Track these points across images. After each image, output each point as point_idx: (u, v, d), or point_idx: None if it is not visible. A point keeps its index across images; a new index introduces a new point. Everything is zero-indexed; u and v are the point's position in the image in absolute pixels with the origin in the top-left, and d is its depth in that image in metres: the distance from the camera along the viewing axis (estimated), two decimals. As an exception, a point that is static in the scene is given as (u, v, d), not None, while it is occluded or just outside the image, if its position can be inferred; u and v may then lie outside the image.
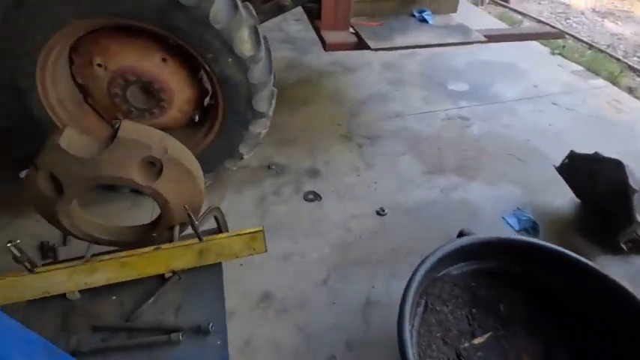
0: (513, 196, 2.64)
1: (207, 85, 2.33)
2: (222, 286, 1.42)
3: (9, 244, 1.23)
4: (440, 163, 2.90)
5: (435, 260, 1.59)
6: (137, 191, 2.50)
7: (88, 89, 2.13)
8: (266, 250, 1.49)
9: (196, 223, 1.36)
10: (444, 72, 4.09)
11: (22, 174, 1.37)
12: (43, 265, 1.45)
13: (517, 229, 2.40)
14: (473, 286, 1.82)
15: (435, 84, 3.88)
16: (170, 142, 1.43)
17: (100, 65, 2.00)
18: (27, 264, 1.29)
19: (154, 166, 1.40)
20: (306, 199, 2.58)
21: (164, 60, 2.06)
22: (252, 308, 1.96)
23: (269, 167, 2.82)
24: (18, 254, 1.25)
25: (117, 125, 1.36)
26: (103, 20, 1.79)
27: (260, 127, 2.38)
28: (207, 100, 2.41)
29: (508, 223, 2.44)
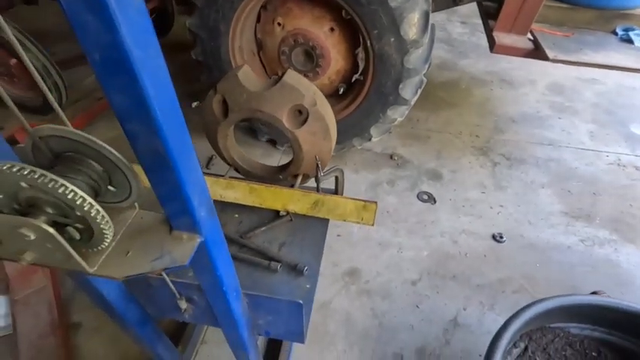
0: (685, 280, 2.06)
1: (360, 62, 2.43)
2: (323, 241, 1.50)
3: None
4: (589, 210, 2.44)
5: (555, 306, 1.37)
6: (272, 142, 2.81)
7: (263, 44, 2.44)
8: (373, 224, 1.50)
9: (321, 174, 1.45)
10: (629, 110, 3.37)
11: (193, 105, 1.68)
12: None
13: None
14: (593, 356, 1.50)
15: (612, 121, 3.24)
16: (320, 99, 1.55)
17: (279, 24, 2.26)
18: (186, 165, 1.58)
19: (301, 115, 1.54)
20: (419, 198, 2.49)
21: (332, 30, 2.22)
22: (336, 278, 2.02)
23: (391, 157, 2.81)
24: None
25: (281, 73, 1.54)
26: (294, -16, 2.02)
27: (398, 114, 2.38)
28: (355, 77, 2.50)
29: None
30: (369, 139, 2.55)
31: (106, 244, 0.54)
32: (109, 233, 0.52)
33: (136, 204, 0.65)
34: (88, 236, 0.54)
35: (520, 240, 2.24)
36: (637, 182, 2.65)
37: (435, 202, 2.47)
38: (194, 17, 2.22)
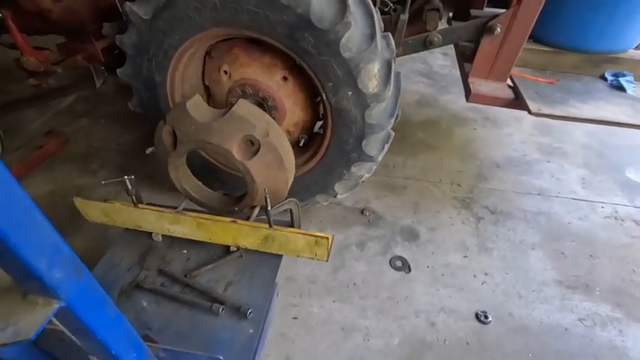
0: None
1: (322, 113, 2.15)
2: (274, 279, 1.40)
3: (126, 177, 1.41)
4: (587, 278, 2.12)
5: None
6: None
7: (211, 92, 2.16)
8: (327, 260, 1.36)
9: (270, 208, 1.34)
10: (624, 152, 3.12)
11: (148, 150, 1.61)
12: (147, 203, 1.61)
13: None
14: None
15: (605, 165, 2.98)
16: (274, 130, 1.46)
17: (225, 72, 1.99)
18: (133, 197, 1.47)
19: (253, 146, 1.44)
20: (392, 265, 2.16)
21: (285, 79, 1.94)
22: (287, 379, 1.66)
23: (362, 212, 2.50)
24: (130, 187, 1.44)
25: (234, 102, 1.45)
26: (237, 31, 1.74)
27: (364, 171, 2.08)
28: (317, 127, 2.22)
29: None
30: (335, 196, 2.24)
31: None
32: None
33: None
34: None
35: (509, 320, 1.90)
36: (638, 240, 2.36)
37: (409, 269, 2.14)
38: (125, 66, 1.94)
